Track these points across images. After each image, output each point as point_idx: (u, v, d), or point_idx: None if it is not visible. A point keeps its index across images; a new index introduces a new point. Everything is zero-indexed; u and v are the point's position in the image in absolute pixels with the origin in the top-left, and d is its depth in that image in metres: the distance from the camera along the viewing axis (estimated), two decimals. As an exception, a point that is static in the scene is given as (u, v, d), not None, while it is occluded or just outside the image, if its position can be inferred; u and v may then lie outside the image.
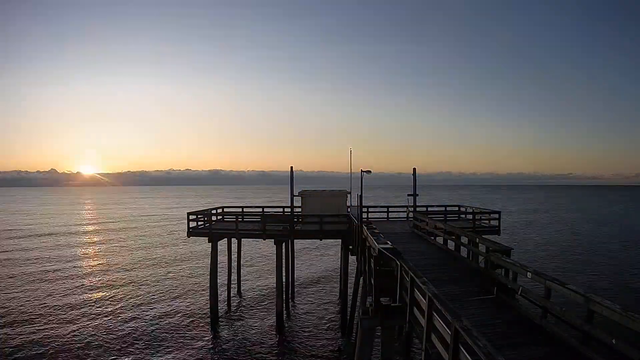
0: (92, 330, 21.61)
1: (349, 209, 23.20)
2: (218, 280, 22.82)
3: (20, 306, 25.55)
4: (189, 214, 21.66)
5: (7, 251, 46.05)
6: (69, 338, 20.56)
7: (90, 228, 71.59)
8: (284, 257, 22.55)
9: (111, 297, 27.76)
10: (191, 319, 23.51)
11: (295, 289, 29.01)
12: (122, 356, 18.75)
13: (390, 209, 25.83)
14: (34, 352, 18.90)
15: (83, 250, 48.03)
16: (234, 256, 28.09)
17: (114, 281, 32.35)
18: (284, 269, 22.98)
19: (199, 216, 22.26)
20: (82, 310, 25.00)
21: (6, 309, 24.93)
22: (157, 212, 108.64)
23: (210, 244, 21.91)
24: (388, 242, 10.75)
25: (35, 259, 41.41)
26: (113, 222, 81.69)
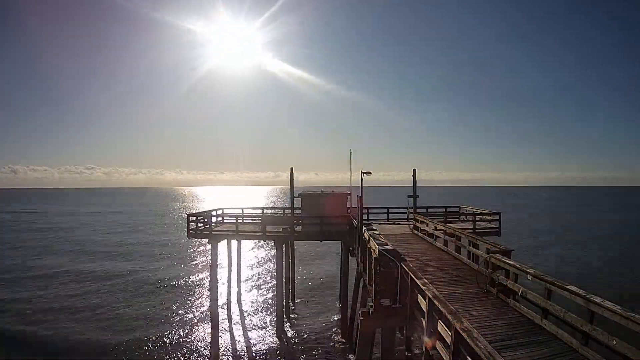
0: (93, 330, 21.63)
1: (349, 210, 23.17)
2: (218, 281, 22.78)
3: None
4: (188, 215, 21.63)
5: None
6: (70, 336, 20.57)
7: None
8: (284, 259, 22.51)
9: (109, 295, 27.78)
10: (191, 319, 23.50)
11: (296, 290, 28.96)
12: (122, 356, 18.75)
13: (390, 210, 25.80)
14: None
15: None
16: (234, 257, 28.06)
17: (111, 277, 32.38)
18: (284, 270, 22.93)
19: (198, 218, 22.22)
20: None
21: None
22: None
23: (210, 245, 21.87)
24: (388, 243, 10.74)
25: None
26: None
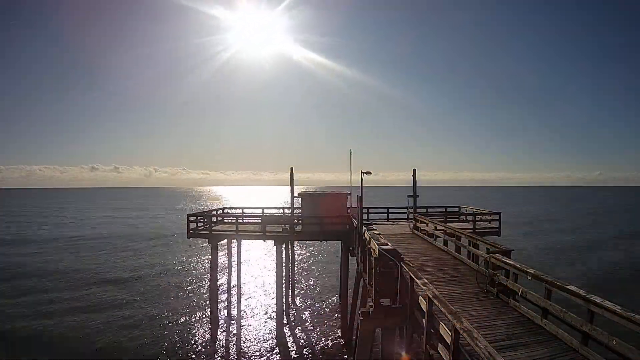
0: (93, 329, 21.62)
1: (349, 210, 23.18)
2: (218, 280, 22.77)
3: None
4: (188, 215, 21.61)
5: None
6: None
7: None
8: (284, 259, 22.50)
9: (111, 294, 27.78)
10: (191, 319, 23.50)
11: (296, 290, 28.97)
12: (123, 355, 18.75)
13: (390, 210, 25.82)
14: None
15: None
16: (234, 257, 28.04)
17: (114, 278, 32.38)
18: (284, 270, 22.93)
19: (198, 217, 22.21)
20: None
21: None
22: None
23: (210, 245, 21.85)
24: (388, 243, 10.72)
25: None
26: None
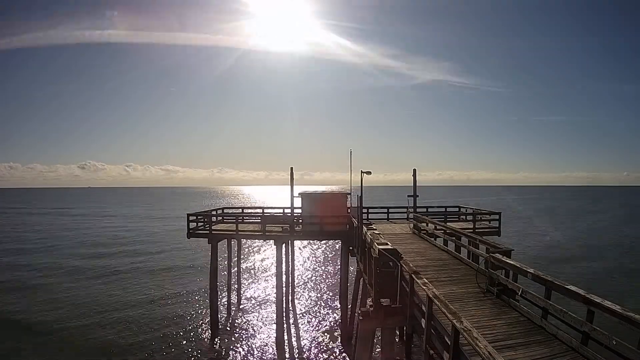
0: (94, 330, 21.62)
1: (349, 210, 23.17)
2: (217, 280, 22.74)
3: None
4: (188, 215, 21.60)
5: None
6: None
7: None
8: (284, 258, 22.49)
9: (107, 297, 27.78)
10: (190, 319, 23.50)
11: (296, 290, 28.97)
12: (121, 356, 18.74)
13: (390, 210, 25.84)
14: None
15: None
16: (234, 257, 28.05)
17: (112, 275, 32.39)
18: (284, 270, 22.92)
19: (198, 217, 22.19)
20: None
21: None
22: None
23: (209, 245, 21.84)
24: (388, 243, 10.72)
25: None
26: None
